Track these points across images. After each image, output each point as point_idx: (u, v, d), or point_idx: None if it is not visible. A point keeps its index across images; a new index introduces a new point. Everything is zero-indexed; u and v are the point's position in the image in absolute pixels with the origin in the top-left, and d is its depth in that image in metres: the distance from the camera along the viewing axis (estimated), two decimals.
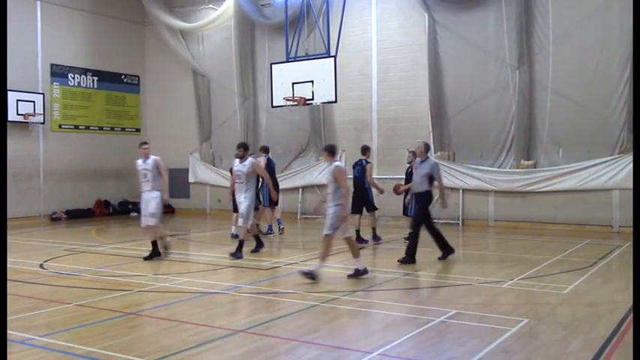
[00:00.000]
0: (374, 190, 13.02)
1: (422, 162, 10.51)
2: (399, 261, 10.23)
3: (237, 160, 11.32)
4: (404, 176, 13.23)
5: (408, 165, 12.72)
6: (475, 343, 5.89)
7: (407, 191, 12.31)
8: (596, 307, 7.30)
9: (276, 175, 19.65)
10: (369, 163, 12.91)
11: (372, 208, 13.07)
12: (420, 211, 10.45)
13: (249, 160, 11.28)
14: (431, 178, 10.34)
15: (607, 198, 14.91)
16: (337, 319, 7.03)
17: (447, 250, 10.63)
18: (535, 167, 15.72)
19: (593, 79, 14.92)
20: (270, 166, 13.69)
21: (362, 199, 12.78)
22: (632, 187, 14.36)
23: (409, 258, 10.22)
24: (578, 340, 5.98)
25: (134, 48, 22.34)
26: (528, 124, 15.72)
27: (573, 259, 10.83)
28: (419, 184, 10.44)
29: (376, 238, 13.12)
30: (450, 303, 7.52)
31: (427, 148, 10.74)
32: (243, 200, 11.07)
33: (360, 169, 12.83)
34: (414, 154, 12.69)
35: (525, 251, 12.07)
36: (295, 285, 8.68)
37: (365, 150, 13.06)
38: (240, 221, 11.20)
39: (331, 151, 9.23)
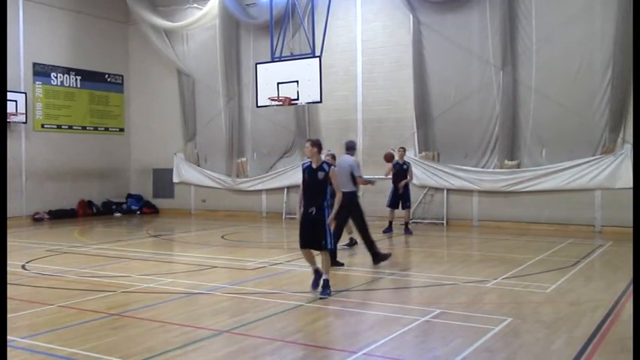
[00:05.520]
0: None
1: None
2: None
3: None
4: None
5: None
6: (459, 342, 5.92)
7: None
8: (579, 305, 7.38)
9: (262, 175, 19.84)
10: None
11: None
12: None
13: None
14: None
15: (589, 198, 15.05)
16: (322, 319, 7.04)
17: None
18: (518, 167, 15.83)
19: (576, 80, 15.07)
20: None
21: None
22: (613, 187, 14.59)
23: None
24: (561, 338, 6.04)
25: (118, 47, 22.18)
26: (512, 125, 15.83)
27: (556, 258, 10.93)
28: None
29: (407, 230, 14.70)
30: (435, 302, 7.56)
31: None
32: None
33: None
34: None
35: (509, 251, 12.16)
36: (280, 285, 8.67)
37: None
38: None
39: None
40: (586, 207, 15.09)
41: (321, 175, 7.97)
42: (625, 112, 14.49)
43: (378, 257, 10.30)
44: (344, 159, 10.59)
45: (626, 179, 14.32)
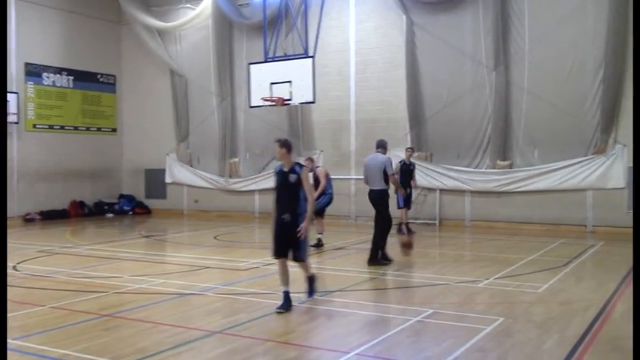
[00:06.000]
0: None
1: None
2: None
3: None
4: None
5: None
6: (451, 342, 5.93)
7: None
8: (570, 305, 7.41)
9: (254, 176, 19.76)
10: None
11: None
12: None
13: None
14: None
15: (581, 198, 15.12)
16: (314, 319, 7.04)
17: None
18: (511, 167, 15.88)
19: (568, 81, 15.13)
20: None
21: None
22: (605, 187, 14.67)
23: None
24: (553, 338, 6.06)
25: (110, 47, 22.11)
26: (504, 125, 15.88)
27: (548, 258, 10.97)
28: None
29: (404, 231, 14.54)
30: (427, 302, 7.57)
31: None
32: None
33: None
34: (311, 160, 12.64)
35: (501, 251, 12.20)
36: (273, 286, 8.66)
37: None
38: None
39: None
40: (578, 207, 15.15)
41: (292, 177, 7.20)
42: (617, 113, 14.57)
43: (374, 261, 10.26)
44: (376, 157, 10.43)
45: (618, 179, 14.42)
